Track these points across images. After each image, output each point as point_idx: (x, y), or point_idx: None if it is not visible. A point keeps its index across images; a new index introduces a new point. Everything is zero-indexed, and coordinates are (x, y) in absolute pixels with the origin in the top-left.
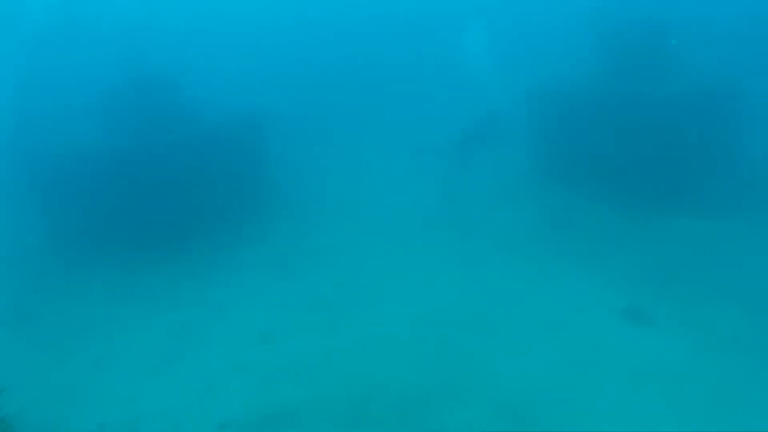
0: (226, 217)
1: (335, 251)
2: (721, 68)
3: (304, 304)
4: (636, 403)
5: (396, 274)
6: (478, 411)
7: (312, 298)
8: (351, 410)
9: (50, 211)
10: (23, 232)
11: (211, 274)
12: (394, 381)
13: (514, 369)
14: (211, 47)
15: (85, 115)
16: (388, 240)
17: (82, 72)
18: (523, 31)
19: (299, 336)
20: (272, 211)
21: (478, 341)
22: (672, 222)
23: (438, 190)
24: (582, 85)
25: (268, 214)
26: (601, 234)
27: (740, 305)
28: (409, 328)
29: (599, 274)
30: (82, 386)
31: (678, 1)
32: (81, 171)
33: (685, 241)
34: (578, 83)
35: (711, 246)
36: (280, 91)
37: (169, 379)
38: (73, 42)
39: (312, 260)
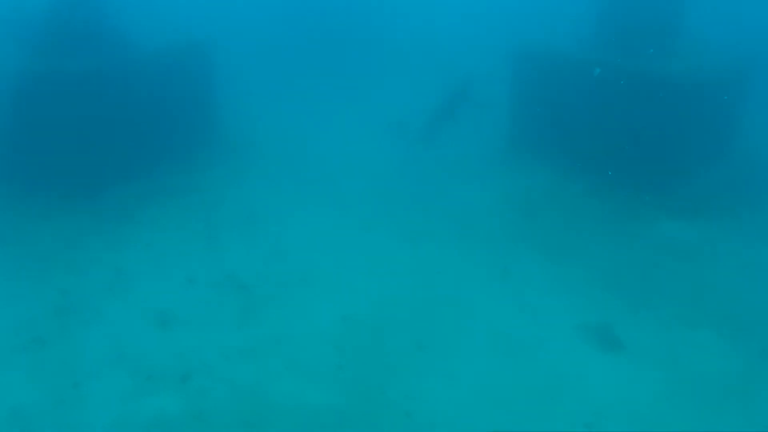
0: (145, 162)
1: (267, 219)
2: (739, 48)
3: (218, 280)
4: None
5: (332, 257)
6: None
7: (229, 274)
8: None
9: None
10: None
11: (115, 232)
12: (298, 401)
13: (448, 394)
14: None
15: None
16: (330, 214)
17: None
18: None
19: (200, 325)
20: (203, 162)
21: (411, 354)
22: (659, 221)
23: (393, 164)
24: (570, 52)
25: (197, 165)
26: (574, 227)
27: (727, 335)
28: (332, 330)
29: (566, 276)
30: None
31: None
32: None
33: (671, 246)
34: (565, 50)
35: (701, 254)
36: (234, 22)
37: (34, 368)
38: None
39: (239, 227)
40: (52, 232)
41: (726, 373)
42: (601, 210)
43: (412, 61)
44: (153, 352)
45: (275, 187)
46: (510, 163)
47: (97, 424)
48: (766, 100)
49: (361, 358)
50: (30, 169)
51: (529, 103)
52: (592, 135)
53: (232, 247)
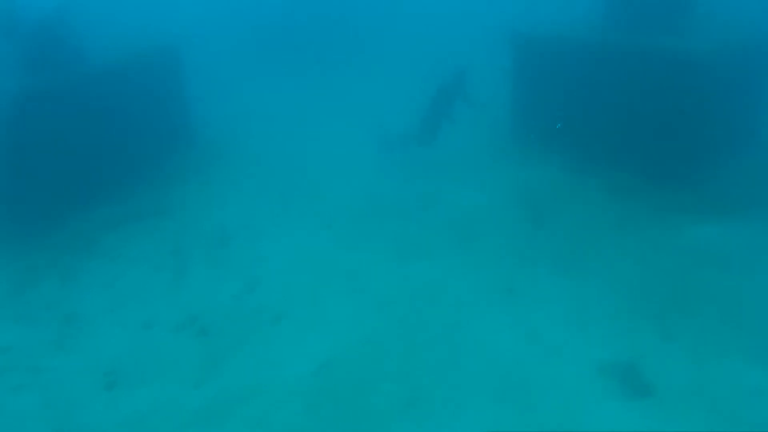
0: (109, 184)
1: (240, 243)
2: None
3: (179, 323)
4: None
5: (310, 287)
6: None
7: (192, 315)
8: None
9: None
10: None
11: (70, 270)
12: None
13: None
14: None
15: None
16: (310, 233)
17: None
18: None
19: (152, 384)
20: (173, 180)
21: (400, 413)
22: (687, 224)
23: (382, 172)
24: (578, 36)
25: (166, 184)
26: (589, 234)
27: None
28: (306, 384)
29: (581, 296)
30: None
31: None
32: None
33: (703, 255)
34: (572, 31)
35: (740, 264)
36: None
37: None
38: None
39: (209, 253)
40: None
41: None
42: (619, 213)
43: (401, 56)
44: (96, 421)
45: (251, 204)
46: (513, 162)
47: None
48: None
49: (339, 420)
50: None
51: (533, 94)
52: (606, 126)
53: (199, 279)
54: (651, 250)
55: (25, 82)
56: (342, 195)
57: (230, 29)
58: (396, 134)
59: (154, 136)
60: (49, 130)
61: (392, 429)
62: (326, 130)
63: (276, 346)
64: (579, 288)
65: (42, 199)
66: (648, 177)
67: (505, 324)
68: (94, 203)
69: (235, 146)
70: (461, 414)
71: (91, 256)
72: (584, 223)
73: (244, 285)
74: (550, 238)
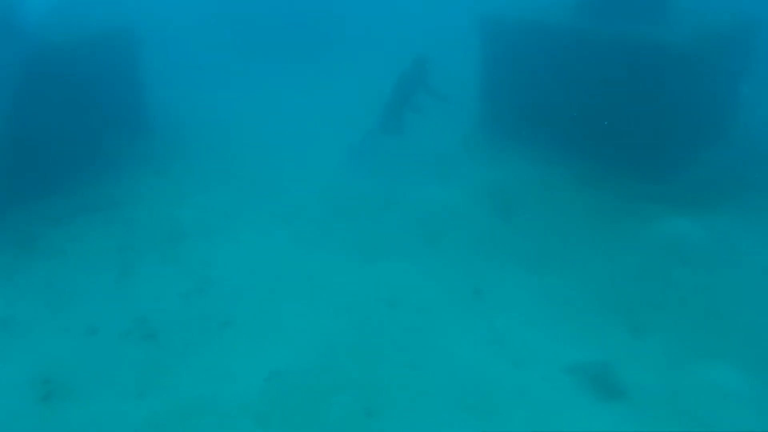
0: (56, 175)
1: (193, 239)
2: (739, 15)
3: (125, 328)
4: None
5: (265, 286)
6: None
7: (139, 317)
8: None
9: None
10: None
11: (9, 269)
12: None
13: None
14: None
15: None
16: (267, 230)
17: None
18: None
19: (92, 395)
20: (124, 171)
21: (358, 424)
22: (660, 216)
23: (343, 166)
24: (549, 19)
25: (117, 175)
26: (560, 228)
27: (753, 369)
28: (257, 393)
29: (551, 295)
30: None
31: None
32: None
33: (676, 249)
34: (544, 16)
35: (714, 257)
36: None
37: None
38: None
39: (159, 250)
40: None
41: (753, 421)
42: (589, 204)
43: (368, 46)
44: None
45: (208, 199)
46: (480, 155)
47: None
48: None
49: None
50: None
51: (502, 82)
52: (577, 115)
53: (147, 278)
54: (622, 244)
55: None
56: (303, 191)
57: (197, 15)
58: (361, 128)
59: (108, 123)
60: None
61: None
62: (290, 124)
63: (226, 353)
64: (548, 286)
65: None
66: (619, 167)
67: (470, 327)
68: (36, 195)
69: (194, 137)
70: (423, 425)
71: (31, 253)
72: (554, 216)
73: (195, 285)
74: (519, 233)
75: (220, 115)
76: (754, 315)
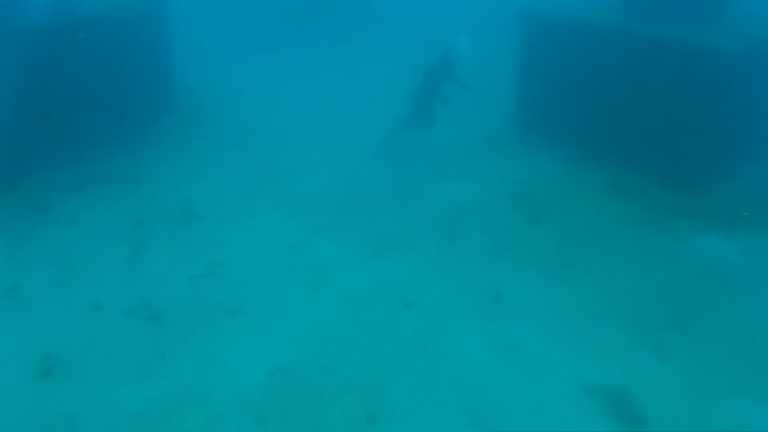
0: (80, 143)
1: (206, 220)
2: None
3: (131, 306)
4: None
5: (274, 275)
6: None
7: (146, 296)
8: None
9: None
10: None
11: (22, 236)
12: None
13: None
14: None
15: None
16: (281, 216)
17: None
18: None
19: (91, 375)
20: (146, 144)
21: (357, 419)
22: (695, 231)
23: (364, 156)
24: (590, 17)
25: (138, 148)
26: (587, 235)
27: None
28: (257, 391)
29: (573, 307)
30: None
31: None
32: None
33: (710, 268)
34: (584, 13)
35: (750, 281)
36: None
37: None
38: None
39: (172, 228)
40: None
41: None
42: (621, 214)
43: (390, 32)
44: (22, 412)
45: (225, 179)
46: (510, 152)
47: None
48: None
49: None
50: None
51: (539, 79)
52: (614, 119)
53: (158, 257)
54: (652, 258)
55: None
56: (324, 178)
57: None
58: (390, 117)
59: (131, 96)
60: (11, 80)
61: None
62: (316, 109)
63: (229, 343)
64: (571, 296)
65: (3, 155)
66: (655, 176)
67: (486, 334)
68: (55, 164)
69: (216, 117)
70: None
71: (44, 222)
72: (582, 222)
73: (204, 269)
74: (544, 237)
75: (246, 96)
76: None
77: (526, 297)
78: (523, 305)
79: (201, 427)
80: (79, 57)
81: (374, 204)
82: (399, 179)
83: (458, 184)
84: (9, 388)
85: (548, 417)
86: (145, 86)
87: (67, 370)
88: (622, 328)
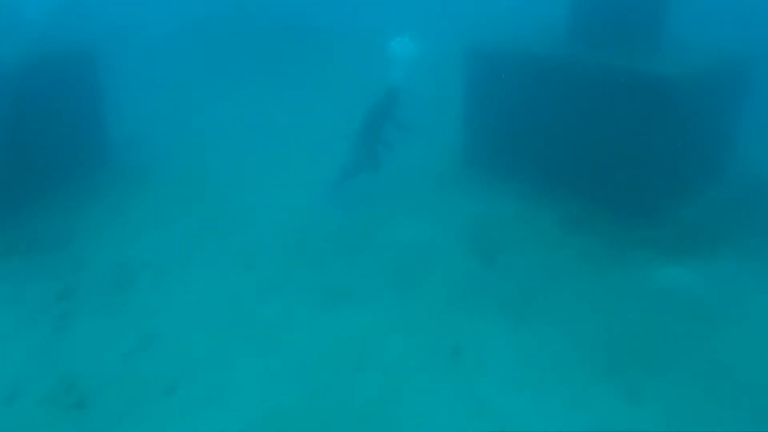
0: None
1: (142, 284)
2: (737, 51)
3: (50, 393)
4: None
5: (215, 344)
6: None
7: (70, 380)
8: None
9: None
10: None
11: None
12: None
13: None
14: None
15: None
16: (225, 273)
17: None
18: None
19: None
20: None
21: None
22: (655, 263)
23: (312, 202)
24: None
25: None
26: (548, 276)
27: None
28: None
29: (539, 354)
30: None
31: None
32: None
33: (674, 300)
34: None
35: (714, 310)
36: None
37: None
38: None
39: (103, 296)
40: None
41: None
42: (579, 249)
43: (334, 67)
44: None
45: (163, 238)
46: (461, 192)
47: None
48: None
49: None
50: None
51: (486, 114)
52: (561, 150)
53: (85, 332)
54: (614, 295)
55: None
56: (270, 229)
57: (158, 35)
58: (336, 162)
59: (57, 150)
60: None
61: None
62: (258, 156)
63: (164, 426)
64: (534, 342)
65: None
66: (609, 208)
67: (446, 394)
68: None
69: (154, 168)
70: None
71: None
72: (540, 261)
73: (138, 342)
74: (502, 279)
75: (186, 144)
76: (759, 375)
77: (488, 347)
78: (485, 357)
79: None
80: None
81: (324, 254)
82: (349, 226)
83: (410, 228)
84: None
85: None
86: (72, 138)
87: None
88: (590, 373)
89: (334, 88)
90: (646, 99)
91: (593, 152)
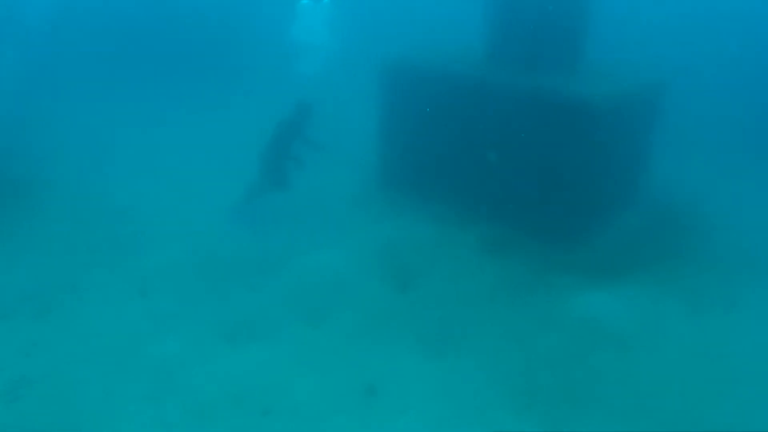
0: None
1: (19, 318)
2: (652, 75)
3: None
4: None
5: (102, 384)
6: None
7: None
8: None
9: None
10: None
11: None
12: None
13: None
14: None
15: None
16: (118, 302)
17: None
18: None
19: None
20: None
21: None
22: (574, 289)
23: (211, 229)
24: (454, 68)
25: None
26: (465, 304)
27: None
28: None
29: (458, 390)
30: None
31: None
32: None
33: (594, 328)
34: (448, 65)
35: (634, 336)
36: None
37: None
38: None
39: None
40: None
41: None
42: (497, 275)
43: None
44: None
45: (45, 263)
46: (374, 213)
47: None
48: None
49: None
50: None
51: (400, 133)
52: (482, 173)
53: None
54: (533, 324)
55: None
56: (166, 254)
57: (37, 23)
58: (243, 181)
59: None
60: None
61: None
62: (158, 173)
63: None
64: (453, 378)
65: None
66: (529, 232)
67: None
68: None
69: (39, 186)
70: None
71: None
72: (459, 288)
73: (7, 390)
74: (419, 309)
75: (64, 156)
76: (679, 404)
77: (405, 384)
78: (402, 395)
79: None
80: None
81: (227, 282)
82: (255, 251)
83: (321, 254)
84: None
85: None
86: None
87: None
88: (512, 408)
89: (243, 98)
90: (563, 120)
91: (511, 174)
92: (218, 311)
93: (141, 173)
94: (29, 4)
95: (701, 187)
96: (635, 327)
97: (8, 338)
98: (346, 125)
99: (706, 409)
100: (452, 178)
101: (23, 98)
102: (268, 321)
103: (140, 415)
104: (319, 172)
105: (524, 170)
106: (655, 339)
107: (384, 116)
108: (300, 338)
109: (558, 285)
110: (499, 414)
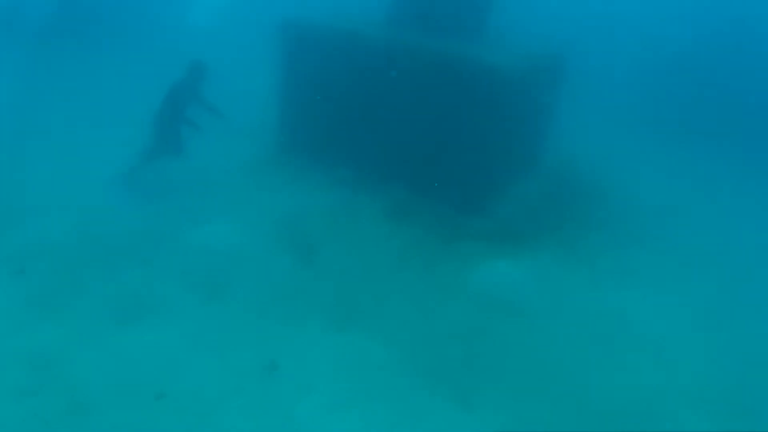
0: None
1: None
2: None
3: None
4: None
5: None
6: None
7: None
8: None
9: None
10: None
11: None
12: None
13: None
14: None
15: None
16: None
17: None
18: None
19: None
20: None
21: None
22: (479, 256)
23: (107, 190)
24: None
25: None
26: (368, 271)
27: None
28: None
29: (360, 365)
30: None
31: None
32: None
33: (498, 296)
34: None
35: (536, 304)
36: None
37: None
38: None
39: None
40: None
41: None
42: (403, 243)
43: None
44: None
45: None
46: (275, 180)
47: None
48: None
49: None
50: None
51: (302, 96)
52: (387, 135)
53: None
54: (441, 293)
55: None
56: (46, 226)
57: None
58: (128, 146)
59: None
60: None
61: None
62: (36, 137)
63: None
64: (358, 351)
65: None
66: (436, 198)
67: (265, 419)
68: None
69: None
70: None
71: None
72: (364, 258)
73: None
74: (323, 282)
75: None
76: (581, 371)
77: (308, 359)
78: (305, 370)
79: None
80: None
81: (115, 256)
82: (147, 222)
83: (218, 225)
84: None
85: None
86: None
87: None
88: (420, 380)
89: (131, 60)
90: (467, 86)
91: (415, 139)
92: (105, 291)
93: (19, 140)
94: None
95: (601, 156)
96: (537, 295)
97: None
98: (243, 86)
99: (605, 373)
100: (355, 143)
101: None
102: (161, 298)
103: (13, 413)
104: (215, 137)
105: (428, 136)
106: (556, 306)
107: (283, 77)
108: (196, 316)
109: (462, 253)
110: (405, 389)
